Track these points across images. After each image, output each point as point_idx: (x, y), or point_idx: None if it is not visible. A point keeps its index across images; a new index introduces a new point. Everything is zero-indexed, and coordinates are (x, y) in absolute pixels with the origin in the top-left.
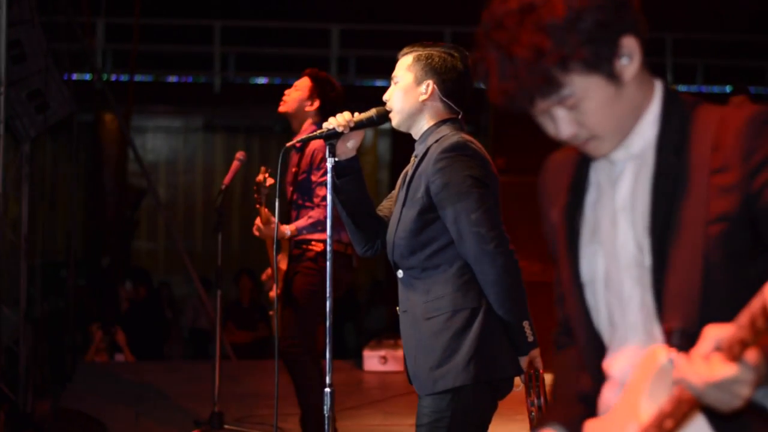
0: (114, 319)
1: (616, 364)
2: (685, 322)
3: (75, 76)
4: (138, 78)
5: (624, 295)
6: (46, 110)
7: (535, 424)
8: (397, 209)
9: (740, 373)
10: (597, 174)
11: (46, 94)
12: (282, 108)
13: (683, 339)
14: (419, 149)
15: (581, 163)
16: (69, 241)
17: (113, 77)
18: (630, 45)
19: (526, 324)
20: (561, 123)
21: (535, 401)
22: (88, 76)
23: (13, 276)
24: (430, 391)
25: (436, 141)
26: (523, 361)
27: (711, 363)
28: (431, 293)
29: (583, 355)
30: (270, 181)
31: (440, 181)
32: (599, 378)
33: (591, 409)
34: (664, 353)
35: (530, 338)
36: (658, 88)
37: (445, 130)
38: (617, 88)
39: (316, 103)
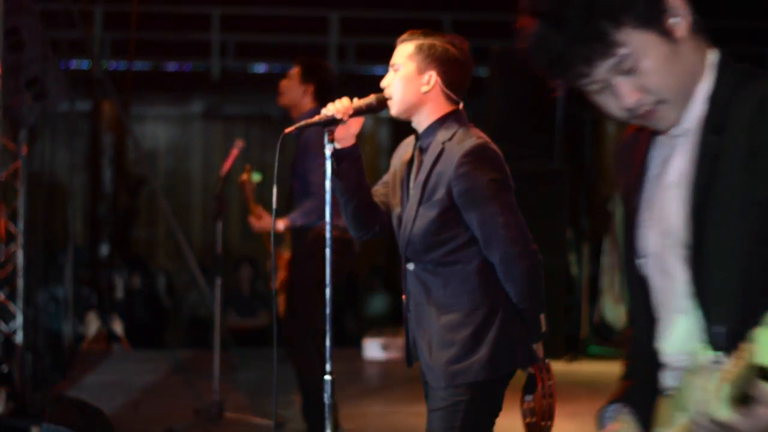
0: (111, 308)
1: (664, 347)
2: (729, 322)
3: (73, 64)
4: (136, 66)
5: (670, 275)
6: (44, 98)
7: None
8: (411, 206)
9: (740, 424)
10: (659, 149)
11: (44, 82)
12: (281, 101)
13: (729, 340)
14: (426, 142)
15: (651, 138)
16: (67, 230)
17: (111, 65)
18: (675, 3)
19: (542, 316)
20: (623, 90)
21: (547, 390)
22: (86, 64)
23: (11, 264)
24: (448, 385)
25: (450, 139)
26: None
27: (714, 397)
28: (448, 288)
29: (635, 332)
30: (256, 178)
31: (464, 186)
32: (652, 356)
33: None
34: (705, 356)
35: (543, 329)
36: (713, 59)
37: (454, 125)
38: (672, 45)
39: (311, 88)
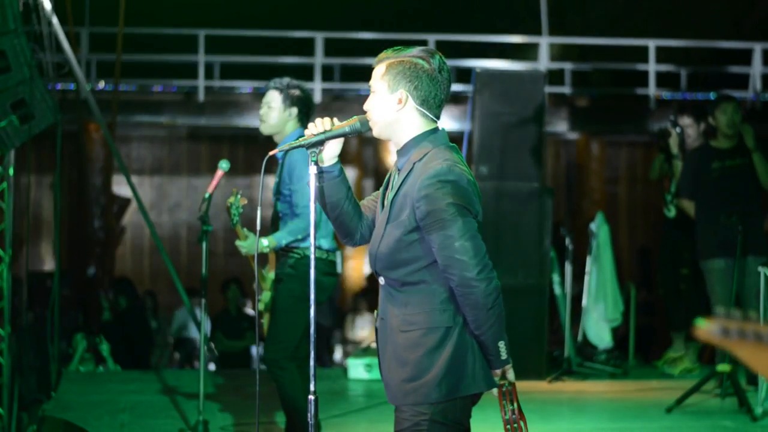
0: (98, 329)
1: None
2: None
3: (59, 86)
4: (122, 87)
5: None
6: (30, 120)
7: None
8: (380, 223)
9: None
10: None
11: (30, 104)
12: (265, 130)
13: None
14: (401, 161)
15: None
16: (54, 251)
17: (98, 86)
18: None
19: (501, 344)
20: None
21: (510, 415)
22: (72, 86)
23: None
24: (401, 403)
25: (421, 159)
26: (496, 374)
27: None
28: (409, 307)
29: None
30: (243, 201)
31: (425, 209)
32: None
33: None
34: None
35: (503, 356)
36: None
37: (428, 145)
38: None
39: (294, 112)
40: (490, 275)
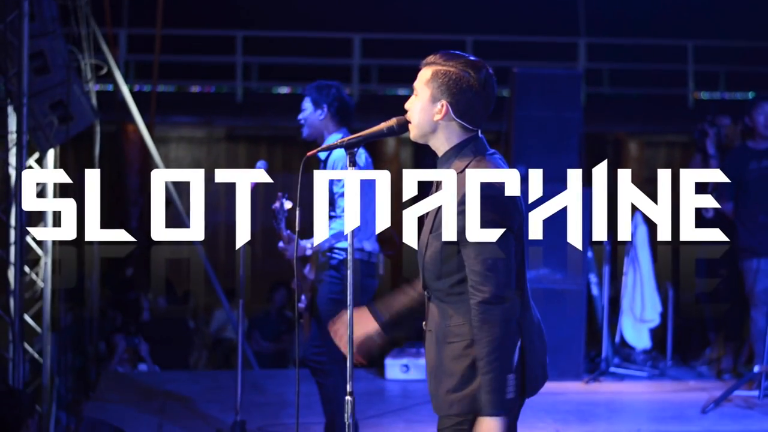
0: (137, 330)
1: None
2: None
3: (98, 87)
4: (161, 88)
5: None
6: (68, 121)
7: None
8: (424, 234)
9: None
10: None
11: (68, 105)
12: (305, 134)
13: None
14: (442, 170)
15: None
16: (93, 252)
17: (136, 88)
18: None
19: (510, 377)
20: None
21: None
22: (110, 87)
23: (37, 286)
24: (445, 413)
25: (462, 171)
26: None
27: None
28: (453, 318)
29: None
30: (287, 205)
31: (461, 223)
32: None
33: None
34: None
35: (510, 394)
36: None
37: (469, 154)
38: None
39: (325, 111)
40: (511, 299)
